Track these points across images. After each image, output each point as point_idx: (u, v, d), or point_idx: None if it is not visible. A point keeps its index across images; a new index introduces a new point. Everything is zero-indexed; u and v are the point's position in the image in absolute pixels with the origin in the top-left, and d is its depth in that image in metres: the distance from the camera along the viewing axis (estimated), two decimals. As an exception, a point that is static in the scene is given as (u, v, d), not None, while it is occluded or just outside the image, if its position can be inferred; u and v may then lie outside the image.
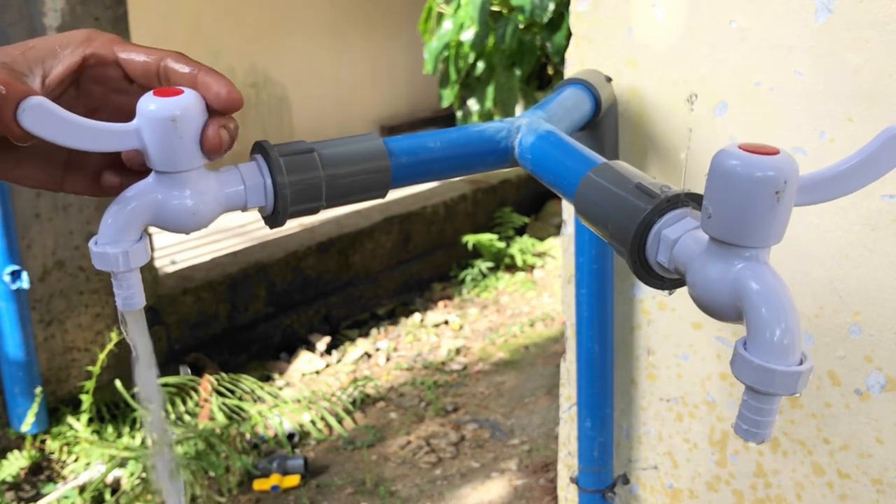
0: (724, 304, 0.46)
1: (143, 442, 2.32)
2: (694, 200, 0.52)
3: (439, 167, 0.66)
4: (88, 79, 0.51)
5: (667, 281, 0.53)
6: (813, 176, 0.47)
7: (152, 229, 0.51)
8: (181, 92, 0.48)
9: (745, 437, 0.44)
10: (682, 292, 1.00)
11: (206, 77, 0.49)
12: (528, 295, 3.52)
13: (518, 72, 3.71)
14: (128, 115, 0.49)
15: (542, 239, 4.01)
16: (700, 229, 0.49)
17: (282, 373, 2.91)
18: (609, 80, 0.95)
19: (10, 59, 0.48)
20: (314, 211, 0.56)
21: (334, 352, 3.07)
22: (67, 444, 2.32)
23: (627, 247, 0.52)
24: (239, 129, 0.50)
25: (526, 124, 0.69)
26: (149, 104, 0.47)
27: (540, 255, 3.89)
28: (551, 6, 3.37)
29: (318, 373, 2.93)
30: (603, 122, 0.92)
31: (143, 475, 2.16)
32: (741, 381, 0.44)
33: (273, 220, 0.55)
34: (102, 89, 0.51)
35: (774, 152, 0.44)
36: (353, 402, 2.67)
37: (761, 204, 0.44)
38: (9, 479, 2.19)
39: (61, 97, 0.51)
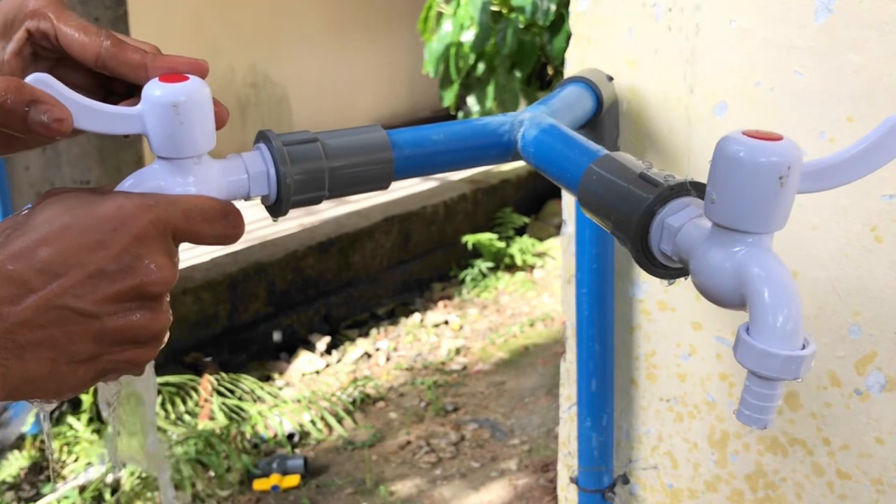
0: (728, 291, 0.46)
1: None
2: (697, 189, 0.52)
3: (442, 160, 0.66)
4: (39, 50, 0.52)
5: (670, 270, 0.53)
6: (816, 163, 0.47)
7: None
8: (187, 79, 0.48)
9: (748, 423, 0.44)
10: (682, 292, 1.00)
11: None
12: (528, 295, 3.52)
13: (518, 73, 3.71)
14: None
15: (542, 239, 4.01)
16: (703, 217, 0.49)
17: (282, 373, 2.91)
18: (611, 79, 0.95)
19: None
20: (317, 201, 0.56)
21: (334, 352, 3.07)
22: (67, 444, 2.32)
23: (630, 236, 0.52)
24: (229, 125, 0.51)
25: (529, 118, 0.69)
26: (154, 90, 0.47)
27: (540, 255, 3.89)
28: (552, 7, 3.37)
29: (318, 373, 2.93)
30: (604, 121, 0.92)
31: (143, 475, 2.16)
32: (744, 366, 0.44)
33: (276, 209, 0.55)
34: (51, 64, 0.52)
35: (778, 138, 0.44)
36: (353, 402, 2.67)
37: (765, 189, 0.44)
38: (9, 479, 2.19)
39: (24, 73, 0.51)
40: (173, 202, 0.48)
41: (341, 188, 0.57)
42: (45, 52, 0.52)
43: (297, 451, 2.43)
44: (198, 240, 0.50)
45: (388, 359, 3.04)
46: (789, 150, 0.44)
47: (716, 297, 0.47)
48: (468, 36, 3.65)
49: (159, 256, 0.47)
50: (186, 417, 2.41)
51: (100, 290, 0.45)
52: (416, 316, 3.36)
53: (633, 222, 0.51)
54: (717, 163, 0.45)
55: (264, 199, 0.54)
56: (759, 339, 0.43)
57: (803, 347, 0.43)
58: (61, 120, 0.45)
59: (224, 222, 0.50)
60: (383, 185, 0.60)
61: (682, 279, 0.55)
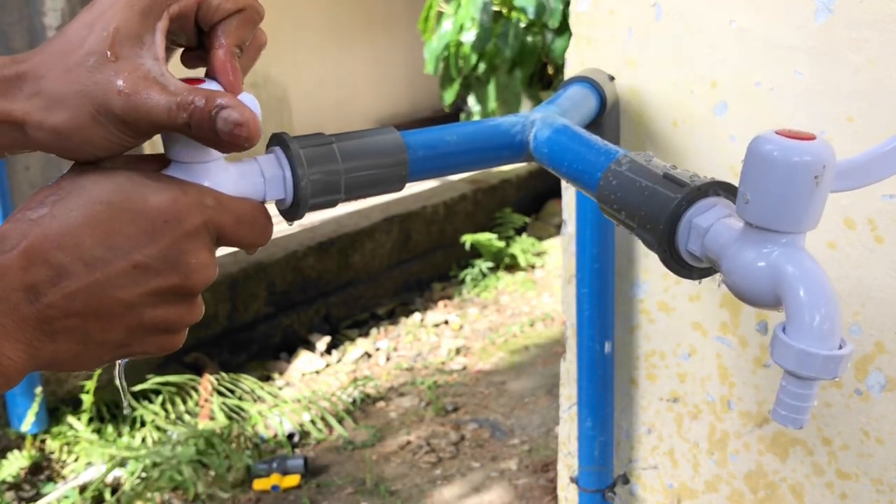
0: (762, 291, 0.46)
1: (143, 441, 2.32)
2: (724, 189, 0.51)
3: (455, 161, 0.66)
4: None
5: (695, 270, 0.53)
6: (846, 162, 0.47)
7: None
8: (203, 81, 0.47)
9: (785, 423, 0.44)
10: (682, 292, 1.00)
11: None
12: (528, 295, 3.52)
13: (519, 73, 3.71)
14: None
15: (542, 239, 4.01)
16: (732, 217, 0.49)
17: (282, 373, 2.91)
18: (612, 78, 0.95)
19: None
20: (332, 204, 0.56)
21: (334, 352, 3.07)
22: (67, 443, 2.32)
23: (658, 236, 0.51)
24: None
25: (540, 119, 0.69)
26: None
27: (540, 255, 3.89)
28: (560, 7, 3.37)
29: (318, 373, 2.93)
30: (605, 121, 0.92)
31: (144, 474, 2.16)
32: (782, 366, 0.44)
33: (292, 213, 0.54)
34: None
35: (811, 137, 0.44)
36: (353, 402, 2.67)
37: (800, 189, 0.44)
38: (9, 478, 2.19)
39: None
40: (226, 207, 0.47)
41: (357, 191, 0.56)
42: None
43: (297, 451, 2.43)
44: (236, 244, 0.49)
45: (388, 359, 3.04)
46: (824, 150, 0.44)
47: (749, 297, 0.47)
48: (469, 36, 3.65)
49: (204, 254, 0.46)
50: (186, 417, 2.41)
51: (141, 283, 0.44)
52: (416, 316, 3.36)
53: (661, 223, 0.51)
54: (751, 162, 0.45)
55: (279, 203, 0.54)
56: (796, 338, 0.43)
57: (840, 347, 0.43)
58: (240, 124, 0.44)
59: (264, 230, 0.50)
60: (398, 186, 0.60)
61: (690, 281, 0.55)
